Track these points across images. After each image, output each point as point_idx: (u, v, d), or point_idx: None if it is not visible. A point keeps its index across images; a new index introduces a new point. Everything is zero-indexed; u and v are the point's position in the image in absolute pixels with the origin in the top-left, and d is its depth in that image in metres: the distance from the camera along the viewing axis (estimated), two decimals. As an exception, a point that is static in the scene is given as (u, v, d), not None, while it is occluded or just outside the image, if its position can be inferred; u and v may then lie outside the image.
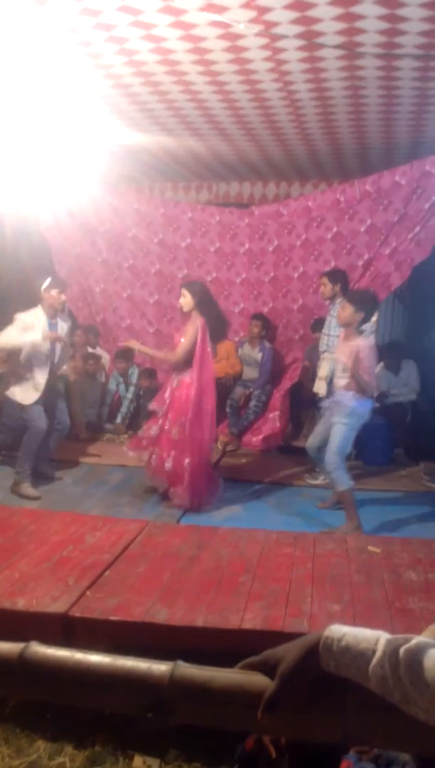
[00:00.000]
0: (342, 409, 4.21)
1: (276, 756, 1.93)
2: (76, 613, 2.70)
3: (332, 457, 4.20)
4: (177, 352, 4.62)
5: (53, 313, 4.95)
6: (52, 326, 4.94)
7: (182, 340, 4.63)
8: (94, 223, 6.48)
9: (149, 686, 0.85)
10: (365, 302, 4.35)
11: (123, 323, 6.98)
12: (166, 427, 4.67)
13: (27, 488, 4.76)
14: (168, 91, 4.75)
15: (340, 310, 4.39)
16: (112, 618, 2.68)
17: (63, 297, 5.00)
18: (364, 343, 4.28)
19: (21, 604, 2.74)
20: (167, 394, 4.74)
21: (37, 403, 4.84)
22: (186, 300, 4.62)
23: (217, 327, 4.80)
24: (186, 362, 4.61)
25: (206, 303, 4.67)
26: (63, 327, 5.06)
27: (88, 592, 2.87)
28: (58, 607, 2.72)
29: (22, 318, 4.83)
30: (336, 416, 4.25)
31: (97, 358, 6.77)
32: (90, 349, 6.86)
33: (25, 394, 4.85)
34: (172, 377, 4.75)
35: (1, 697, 2.60)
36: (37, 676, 0.89)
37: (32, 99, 4.69)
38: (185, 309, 4.66)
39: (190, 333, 4.57)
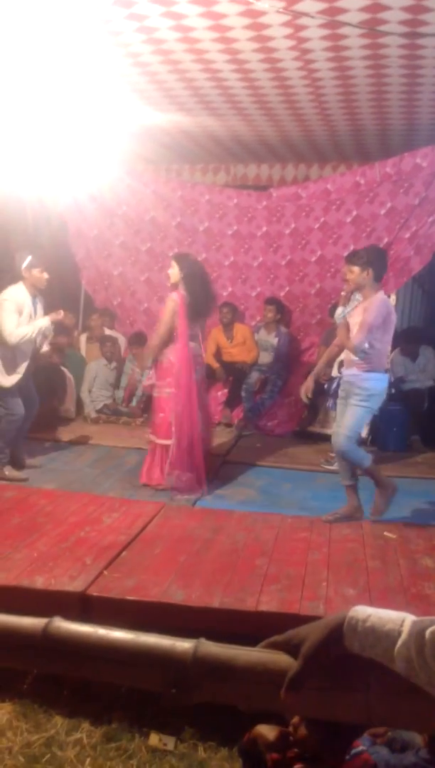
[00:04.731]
0: (359, 391, 3.95)
1: (295, 752, 1.90)
2: (94, 592, 2.74)
3: (344, 439, 3.91)
4: (157, 332, 4.60)
5: (35, 292, 4.74)
6: (35, 305, 4.74)
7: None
8: (112, 204, 6.45)
9: (172, 663, 0.85)
10: (368, 259, 4.00)
11: (141, 307, 6.98)
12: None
13: (11, 471, 4.69)
14: (187, 69, 4.69)
15: (348, 274, 4.07)
16: (129, 597, 2.71)
17: (45, 275, 4.73)
18: (379, 295, 3.97)
19: (39, 582, 2.77)
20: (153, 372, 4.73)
21: (14, 388, 4.66)
22: (174, 271, 4.61)
23: (202, 304, 4.65)
24: (171, 339, 4.55)
25: (192, 278, 4.58)
26: (40, 307, 4.81)
27: (105, 572, 2.90)
28: (76, 586, 2.76)
29: (13, 298, 4.61)
30: (353, 398, 3.96)
31: (113, 340, 6.77)
32: (107, 331, 6.87)
33: (4, 377, 4.64)
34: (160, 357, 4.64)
35: (19, 673, 2.64)
36: (60, 650, 0.89)
37: (50, 81, 4.66)
38: (172, 280, 4.66)
39: (168, 308, 4.55)
